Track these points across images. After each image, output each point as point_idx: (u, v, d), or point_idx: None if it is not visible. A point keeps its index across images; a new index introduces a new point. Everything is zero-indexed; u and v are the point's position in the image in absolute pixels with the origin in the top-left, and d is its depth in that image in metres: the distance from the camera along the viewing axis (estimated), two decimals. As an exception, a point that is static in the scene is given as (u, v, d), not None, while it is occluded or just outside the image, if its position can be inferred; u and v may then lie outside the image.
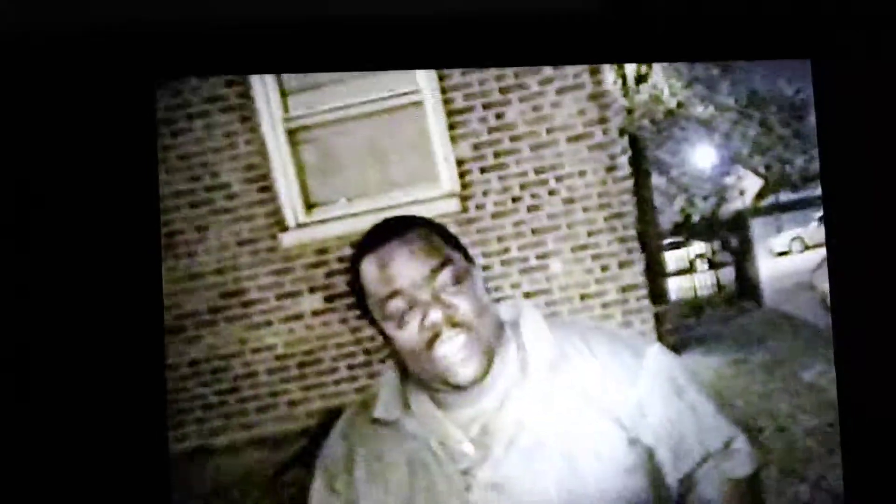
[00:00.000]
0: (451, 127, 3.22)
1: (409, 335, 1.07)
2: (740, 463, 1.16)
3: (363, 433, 1.18)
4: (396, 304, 1.07)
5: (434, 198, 3.07)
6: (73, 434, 1.23)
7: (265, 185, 3.05)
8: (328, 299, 3.01)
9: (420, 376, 1.11)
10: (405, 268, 1.06)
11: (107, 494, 1.23)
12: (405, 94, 3.02)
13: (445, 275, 1.07)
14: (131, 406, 1.23)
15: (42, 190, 1.25)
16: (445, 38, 1.30)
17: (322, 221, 3.03)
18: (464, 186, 3.26)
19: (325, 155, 3.04)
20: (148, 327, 1.25)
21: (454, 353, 1.06)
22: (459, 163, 3.26)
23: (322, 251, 3.04)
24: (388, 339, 1.11)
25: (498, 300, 1.23)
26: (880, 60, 1.22)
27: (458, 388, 1.08)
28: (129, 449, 1.23)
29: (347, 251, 3.04)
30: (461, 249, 1.15)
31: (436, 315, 1.05)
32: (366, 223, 1.17)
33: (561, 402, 1.10)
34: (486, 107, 3.30)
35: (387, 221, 1.17)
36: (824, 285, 0.91)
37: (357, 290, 1.12)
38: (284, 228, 3.07)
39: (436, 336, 1.06)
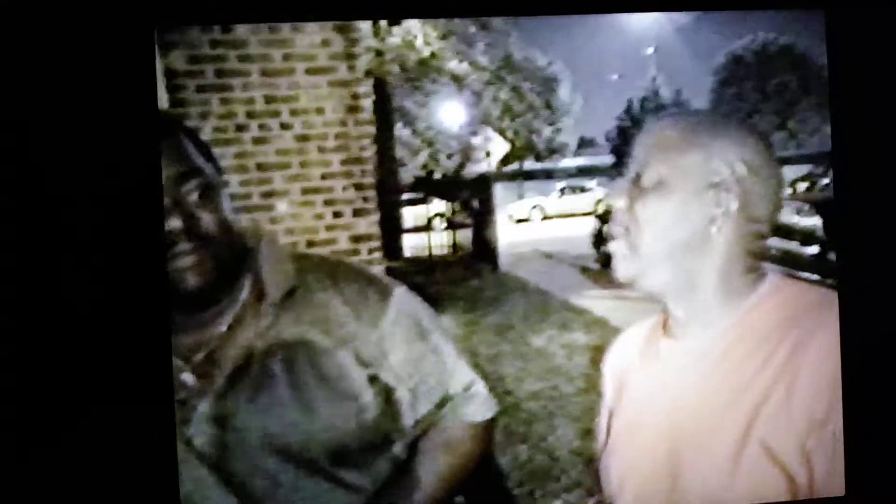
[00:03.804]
0: (161, 30, 2.74)
1: None
2: (479, 407, 1.17)
3: None
4: None
5: (136, 112, 2.60)
6: None
7: None
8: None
9: None
10: None
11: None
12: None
13: (192, 184, 1.00)
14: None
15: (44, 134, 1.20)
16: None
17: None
18: (175, 104, 2.82)
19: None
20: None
21: (185, 262, 1.00)
22: (171, 74, 2.79)
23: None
24: None
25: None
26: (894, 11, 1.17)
27: (182, 297, 1.01)
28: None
29: None
30: (213, 161, 1.07)
31: (175, 223, 0.99)
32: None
33: (296, 334, 1.07)
34: (210, 16, 2.86)
35: None
36: (618, 203, 0.82)
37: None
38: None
39: (170, 244, 0.99)
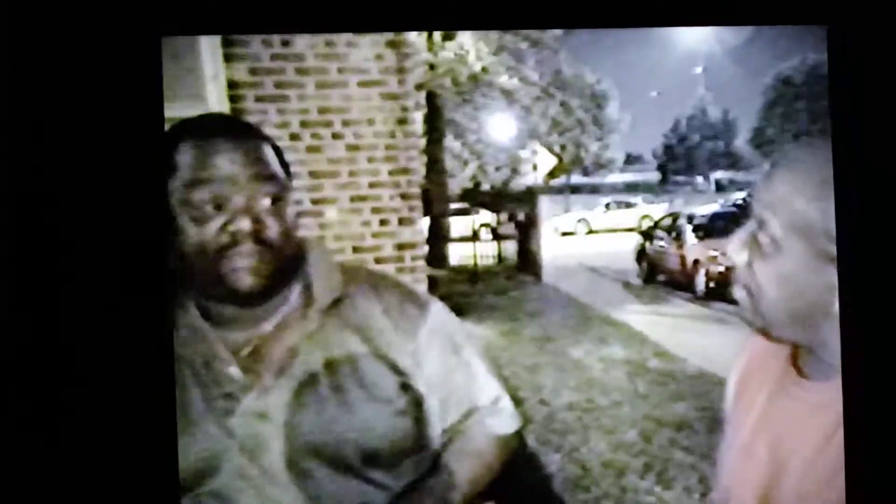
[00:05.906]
0: (227, 43, 2.90)
1: (203, 232, 1.01)
2: (504, 420, 1.23)
3: None
4: (202, 196, 1.01)
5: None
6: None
7: None
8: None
9: (197, 277, 1.05)
10: (228, 165, 1.01)
11: None
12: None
13: (267, 189, 1.02)
14: None
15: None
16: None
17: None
18: (235, 112, 2.96)
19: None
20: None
21: (244, 263, 1.02)
22: (232, 85, 2.94)
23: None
24: (174, 231, 1.04)
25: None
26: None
27: (233, 296, 1.04)
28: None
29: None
30: (286, 168, 1.09)
31: (244, 224, 1.01)
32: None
33: (339, 339, 1.11)
34: (271, 30, 3.01)
35: (222, 116, 1.09)
36: (739, 258, 0.85)
37: (167, 167, 1.03)
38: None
39: (234, 243, 1.01)
